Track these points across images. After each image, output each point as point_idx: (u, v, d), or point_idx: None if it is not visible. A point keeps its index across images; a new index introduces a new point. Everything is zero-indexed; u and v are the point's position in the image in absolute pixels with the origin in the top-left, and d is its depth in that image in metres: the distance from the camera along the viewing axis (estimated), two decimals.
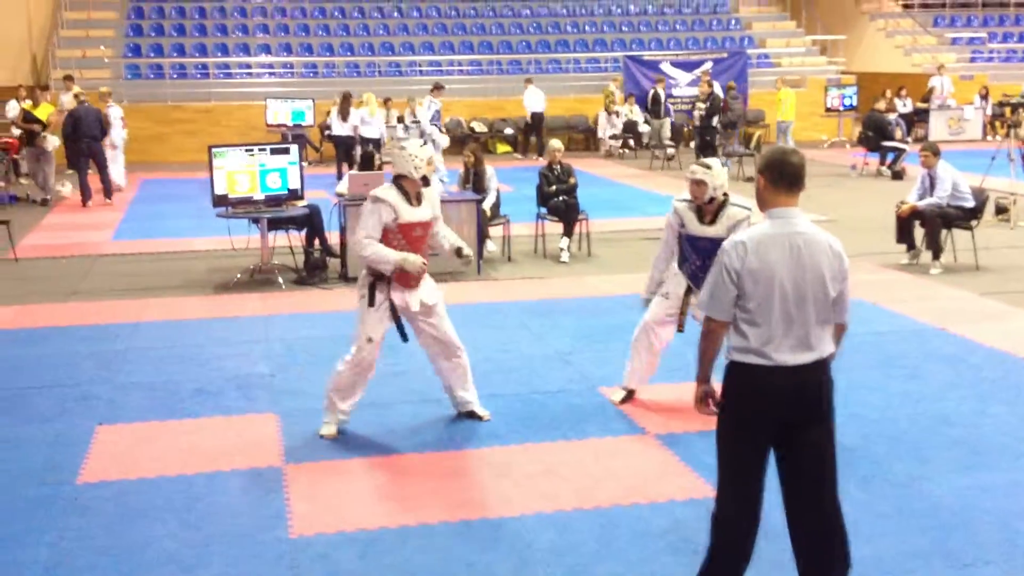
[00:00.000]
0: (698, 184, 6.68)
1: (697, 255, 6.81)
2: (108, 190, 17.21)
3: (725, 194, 6.76)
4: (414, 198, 6.47)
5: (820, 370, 4.19)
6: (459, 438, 6.59)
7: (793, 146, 4.21)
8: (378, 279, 6.44)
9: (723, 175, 6.73)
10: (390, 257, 6.33)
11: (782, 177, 4.19)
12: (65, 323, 9.48)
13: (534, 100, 23.36)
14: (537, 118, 23.47)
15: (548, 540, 5.18)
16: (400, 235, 6.40)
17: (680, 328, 7.03)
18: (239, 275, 11.09)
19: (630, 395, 7.21)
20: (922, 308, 9.61)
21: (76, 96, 18.31)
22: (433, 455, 6.32)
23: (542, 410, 7.06)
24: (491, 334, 7.00)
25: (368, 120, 19.16)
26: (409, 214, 6.42)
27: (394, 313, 6.52)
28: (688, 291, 6.94)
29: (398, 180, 6.47)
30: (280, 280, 10.97)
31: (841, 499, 4.32)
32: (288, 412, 7.07)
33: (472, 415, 6.89)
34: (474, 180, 12.14)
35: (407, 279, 6.46)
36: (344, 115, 19.12)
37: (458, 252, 6.77)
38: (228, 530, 5.33)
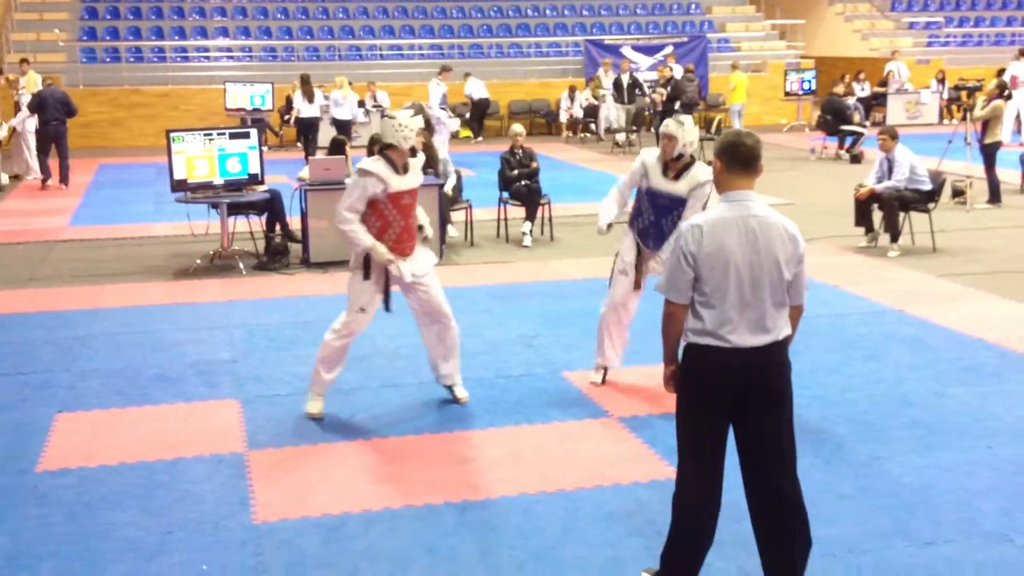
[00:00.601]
0: (669, 139, 6.76)
1: (653, 211, 6.89)
2: (66, 175, 16.99)
3: (692, 156, 6.82)
4: (401, 168, 6.49)
5: (776, 352, 4.22)
6: (423, 423, 6.59)
7: (744, 129, 4.25)
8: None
9: (694, 133, 6.83)
10: (363, 242, 6.37)
11: (736, 160, 4.21)
12: (22, 310, 9.36)
13: (475, 88, 23.71)
14: (483, 103, 23.93)
15: (513, 524, 5.19)
16: (390, 204, 6.43)
17: (638, 286, 7.11)
18: (199, 261, 11.00)
19: (605, 372, 7.27)
20: (881, 290, 9.71)
21: (44, 79, 18.19)
22: (397, 440, 6.31)
23: (506, 394, 7.06)
24: (455, 318, 7.00)
25: (340, 102, 19.21)
26: (398, 183, 6.44)
27: (386, 283, 6.53)
28: (637, 252, 7.02)
29: (385, 150, 6.48)
30: (241, 266, 10.89)
31: (802, 480, 4.37)
32: (250, 398, 7.03)
33: (451, 392, 6.91)
34: (428, 165, 12.07)
35: (401, 249, 6.50)
36: (309, 97, 19.24)
37: (419, 227, 6.78)
38: (191, 517, 5.30)
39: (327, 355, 6.62)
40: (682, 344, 4.33)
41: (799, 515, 4.33)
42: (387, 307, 6.64)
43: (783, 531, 4.33)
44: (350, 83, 21.23)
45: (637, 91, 22.05)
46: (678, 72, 21.67)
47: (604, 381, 7.24)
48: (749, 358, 4.16)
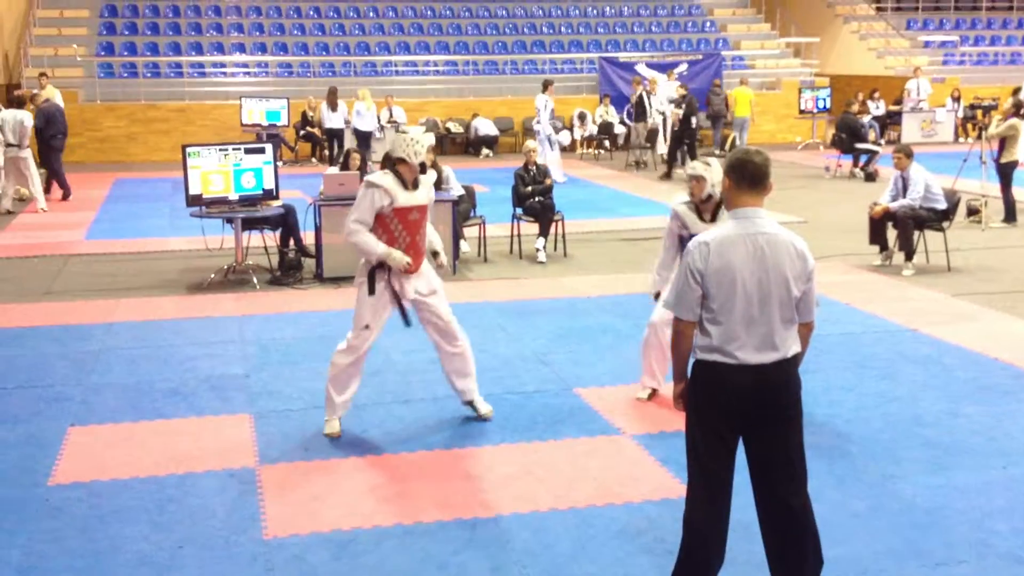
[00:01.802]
0: (697, 180, 6.80)
1: None
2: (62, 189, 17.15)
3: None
4: (411, 184, 6.46)
5: (784, 369, 4.21)
6: (434, 439, 6.58)
7: (754, 147, 4.35)
8: (378, 266, 6.44)
9: (720, 172, 6.77)
10: (376, 249, 6.33)
11: (744, 177, 4.23)
12: (37, 323, 9.40)
13: (485, 126, 24.02)
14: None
15: (523, 541, 5.18)
16: (396, 219, 6.40)
17: None
18: (213, 275, 11.04)
19: (654, 393, 7.26)
20: (895, 309, 9.67)
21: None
22: (408, 456, 6.31)
23: (518, 411, 7.05)
24: (467, 334, 7.01)
25: (363, 113, 20.67)
26: (405, 198, 6.41)
27: (396, 299, 6.50)
28: None
29: (395, 165, 6.46)
30: (255, 280, 10.92)
31: (814, 499, 4.36)
32: (262, 413, 7.04)
33: (472, 406, 6.90)
34: (434, 184, 12.07)
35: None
36: (333, 107, 20.80)
37: (434, 254, 6.77)
38: (201, 532, 5.30)
39: (335, 374, 6.60)
40: (691, 361, 4.34)
41: (809, 533, 4.31)
42: (406, 322, 6.57)
43: (793, 548, 4.31)
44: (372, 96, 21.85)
45: (650, 109, 22.00)
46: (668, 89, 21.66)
47: (649, 399, 7.23)
48: (756, 375, 4.15)
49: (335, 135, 21.20)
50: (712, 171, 6.75)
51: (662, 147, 18.89)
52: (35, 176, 15.95)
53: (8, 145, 15.66)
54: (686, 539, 4.34)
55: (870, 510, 5.49)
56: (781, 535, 4.31)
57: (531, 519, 5.42)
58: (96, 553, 5.08)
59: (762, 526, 4.37)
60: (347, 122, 20.91)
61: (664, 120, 20.87)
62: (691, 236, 6.88)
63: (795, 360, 4.26)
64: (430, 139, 6.59)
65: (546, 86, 19.46)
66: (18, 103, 16.38)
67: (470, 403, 6.92)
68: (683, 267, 4.24)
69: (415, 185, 6.49)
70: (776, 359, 4.18)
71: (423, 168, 6.52)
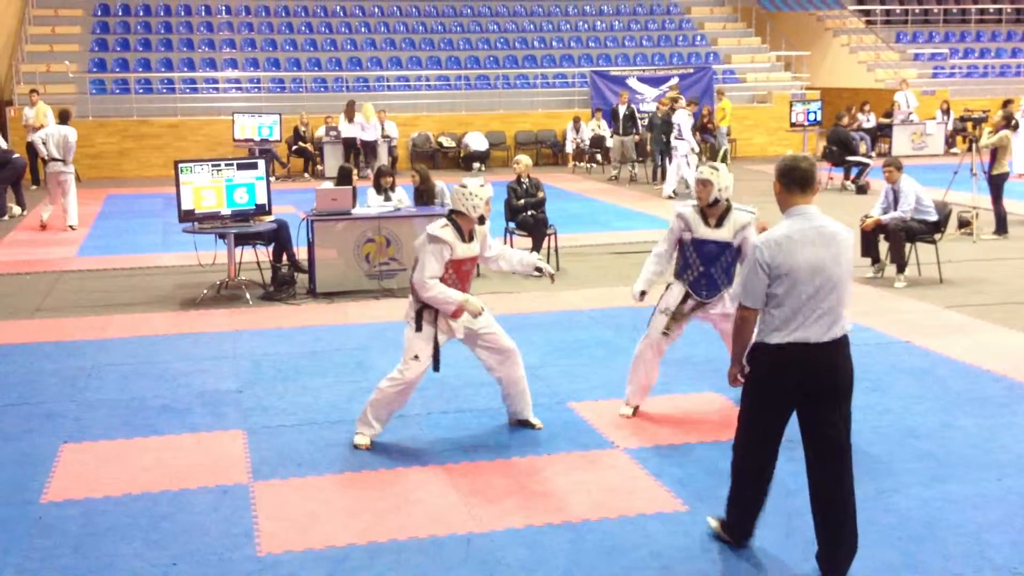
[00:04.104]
0: (704, 184, 6.86)
1: (701, 261, 6.94)
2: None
3: (728, 201, 6.89)
4: (467, 235, 6.58)
5: (843, 346, 4.78)
6: (428, 455, 6.57)
7: (801, 154, 5.12)
8: (425, 307, 6.54)
9: (729, 178, 6.91)
10: (455, 298, 6.46)
11: (794, 181, 4.81)
12: (29, 340, 9.37)
13: (477, 140, 24.07)
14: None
15: (518, 556, 5.17)
16: (451, 270, 6.53)
17: (668, 331, 7.08)
18: (206, 291, 11.02)
19: (637, 410, 7.26)
20: (887, 321, 9.69)
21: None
22: (402, 471, 6.30)
23: (512, 426, 7.04)
24: (460, 348, 7.01)
25: (366, 126, 21.99)
26: (462, 250, 6.55)
27: (435, 344, 6.58)
28: (685, 298, 7.03)
29: (453, 216, 6.56)
30: (247, 296, 10.91)
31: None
32: (255, 429, 7.02)
33: (525, 423, 6.97)
34: (425, 198, 12.12)
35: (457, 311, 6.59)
36: (350, 118, 22.02)
37: (538, 270, 6.91)
38: (195, 548, 5.28)
39: (378, 399, 6.66)
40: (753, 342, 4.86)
41: (851, 515, 4.83)
42: (436, 367, 6.64)
43: (836, 527, 4.83)
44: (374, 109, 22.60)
45: (632, 124, 21.99)
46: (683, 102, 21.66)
47: (634, 415, 7.23)
48: (820, 353, 4.71)
49: (349, 145, 22.04)
50: (719, 176, 6.82)
51: (687, 171, 18.54)
52: (72, 193, 15.94)
53: (52, 160, 15.80)
54: (734, 486, 5.09)
55: (865, 524, 5.47)
56: (826, 513, 4.82)
57: (526, 534, 5.40)
58: (89, 571, 5.05)
59: (812, 501, 4.88)
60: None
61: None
62: (693, 240, 6.93)
63: (848, 338, 4.81)
64: (488, 191, 6.65)
65: (690, 103, 19.71)
66: (63, 118, 16.45)
67: (523, 421, 6.98)
68: (753, 262, 4.76)
69: (471, 237, 6.61)
70: (836, 337, 4.74)
71: (481, 220, 6.61)
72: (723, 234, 6.87)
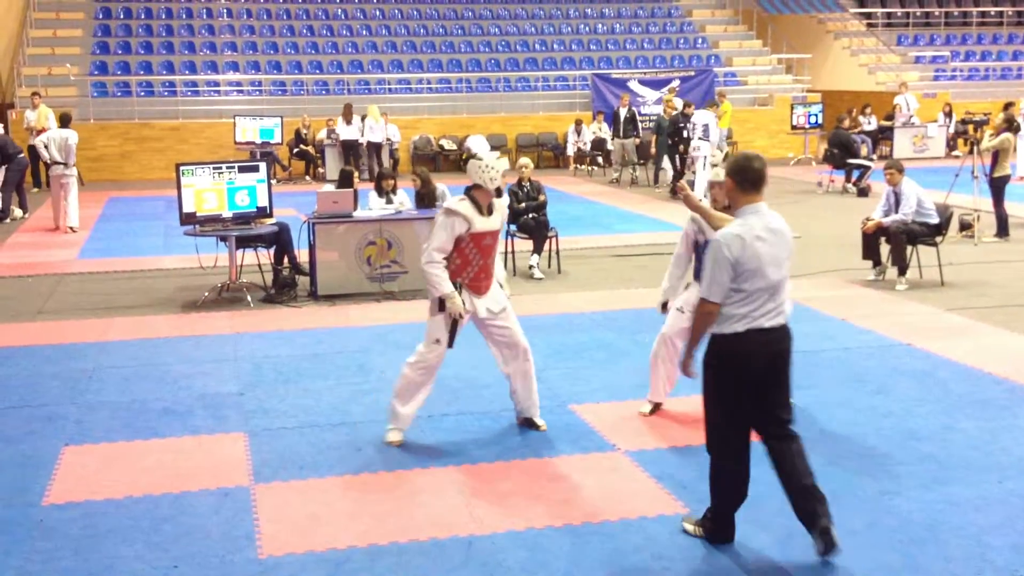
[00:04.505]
0: (720, 187, 6.83)
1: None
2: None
3: None
4: (486, 209, 6.56)
5: (788, 332, 5.13)
6: (429, 456, 6.57)
7: (753, 152, 5.31)
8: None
9: None
10: (442, 287, 6.46)
11: (748, 180, 5.04)
12: (31, 343, 9.38)
13: (478, 143, 23.95)
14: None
15: (519, 559, 5.16)
16: (472, 244, 6.52)
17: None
18: (207, 293, 11.03)
19: (657, 407, 7.29)
20: (888, 324, 9.69)
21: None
22: (403, 473, 6.30)
23: (513, 428, 7.04)
24: (462, 351, 7.01)
25: (373, 127, 22.15)
26: (481, 224, 6.53)
27: (453, 321, 6.57)
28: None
29: (471, 191, 6.57)
30: (249, 298, 10.91)
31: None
32: (256, 431, 7.02)
33: (530, 423, 6.98)
34: (427, 201, 12.11)
35: (477, 287, 6.60)
36: (348, 120, 21.95)
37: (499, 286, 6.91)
38: (196, 551, 5.28)
39: (403, 386, 6.68)
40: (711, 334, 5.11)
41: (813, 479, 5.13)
42: (451, 343, 6.64)
43: (803, 464, 5.14)
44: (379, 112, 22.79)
45: (633, 127, 21.98)
46: (677, 105, 21.61)
47: (651, 413, 7.26)
48: (774, 336, 5.04)
49: (350, 147, 22.05)
50: None
51: (701, 173, 18.51)
52: (73, 194, 16.01)
53: (54, 163, 15.91)
54: (726, 490, 5.25)
55: (866, 526, 5.49)
56: (790, 455, 5.12)
57: (527, 536, 5.40)
58: (90, 573, 5.05)
59: (778, 455, 5.16)
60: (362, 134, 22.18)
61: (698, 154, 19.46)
62: (707, 242, 6.91)
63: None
64: (504, 164, 6.65)
65: (714, 104, 19.88)
66: (64, 121, 16.61)
67: (528, 420, 6.99)
68: (715, 258, 4.95)
69: (489, 210, 6.59)
70: (783, 323, 5.08)
71: (499, 192, 6.60)
72: None
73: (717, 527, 5.29)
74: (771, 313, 5.01)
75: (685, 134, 19.13)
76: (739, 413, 5.14)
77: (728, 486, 5.25)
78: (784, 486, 5.15)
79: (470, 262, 6.56)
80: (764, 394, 5.14)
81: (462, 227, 6.46)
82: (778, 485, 5.16)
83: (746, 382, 5.08)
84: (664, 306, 7.19)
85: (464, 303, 6.56)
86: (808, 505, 5.08)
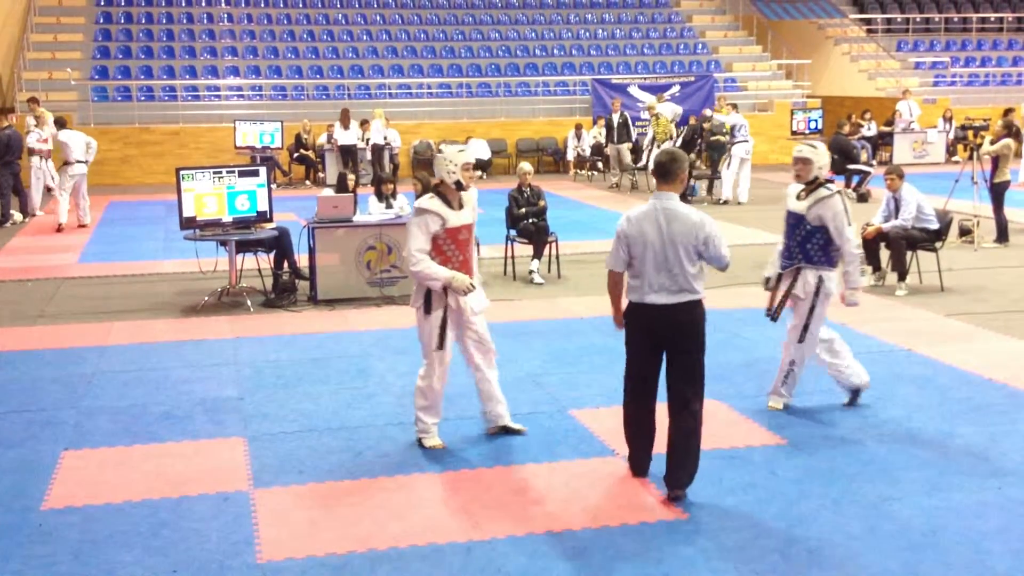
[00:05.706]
0: (805, 163, 7.10)
1: (785, 231, 7.32)
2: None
3: (821, 178, 7.19)
4: (456, 203, 6.57)
5: (683, 309, 5.77)
6: (428, 461, 6.56)
7: (671, 148, 6.19)
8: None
9: (826, 155, 7.21)
10: (440, 274, 6.45)
11: (655, 171, 5.93)
12: (30, 347, 9.38)
13: (479, 148, 23.96)
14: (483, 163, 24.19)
15: (518, 564, 5.16)
16: (448, 239, 6.52)
17: (774, 316, 7.34)
18: (207, 298, 11.03)
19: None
20: (888, 329, 9.69)
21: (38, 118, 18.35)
22: (402, 478, 6.29)
23: (512, 433, 7.03)
24: (462, 356, 7.00)
25: (379, 129, 22.23)
26: (455, 218, 6.53)
27: (443, 320, 6.57)
28: (778, 279, 7.33)
29: (437, 187, 6.58)
30: (248, 303, 10.91)
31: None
32: (256, 436, 7.02)
33: (507, 430, 6.95)
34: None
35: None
36: (345, 125, 21.97)
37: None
38: (196, 556, 5.27)
39: (426, 405, 6.71)
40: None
41: (696, 436, 5.85)
42: (441, 344, 6.61)
43: (682, 446, 5.83)
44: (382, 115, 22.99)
45: (626, 132, 21.98)
46: (666, 109, 21.59)
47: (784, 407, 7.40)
48: (662, 312, 5.77)
49: (347, 151, 22.05)
50: (817, 153, 7.12)
51: (727, 172, 19.01)
52: (67, 194, 16.61)
53: (77, 162, 16.63)
54: (626, 427, 6.20)
55: (866, 531, 5.48)
56: (677, 427, 5.83)
57: (526, 542, 5.40)
58: None
59: (670, 421, 5.88)
60: (366, 140, 22.28)
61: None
62: (789, 213, 7.36)
63: (696, 303, 5.79)
64: (465, 157, 6.64)
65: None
66: (59, 125, 17.26)
67: (503, 428, 6.96)
68: (616, 234, 5.84)
69: (460, 204, 6.59)
70: (676, 301, 5.75)
71: (459, 186, 6.57)
72: (800, 206, 7.16)
73: (631, 461, 6.22)
74: (657, 289, 5.73)
75: (699, 144, 19.60)
76: (638, 367, 6.01)
77: (629, 431, 6.18)
78: (668, 437, 5.88)
79: (449, 259, 6.53)
80: (665, 349, 5.87)
81: (436, 224, 6.45)
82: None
83: (641, 344, 5.94)
84: (768, 280, 7.44)
85: (450, 303, 6.56)
86: (676, 465, 5.83)
